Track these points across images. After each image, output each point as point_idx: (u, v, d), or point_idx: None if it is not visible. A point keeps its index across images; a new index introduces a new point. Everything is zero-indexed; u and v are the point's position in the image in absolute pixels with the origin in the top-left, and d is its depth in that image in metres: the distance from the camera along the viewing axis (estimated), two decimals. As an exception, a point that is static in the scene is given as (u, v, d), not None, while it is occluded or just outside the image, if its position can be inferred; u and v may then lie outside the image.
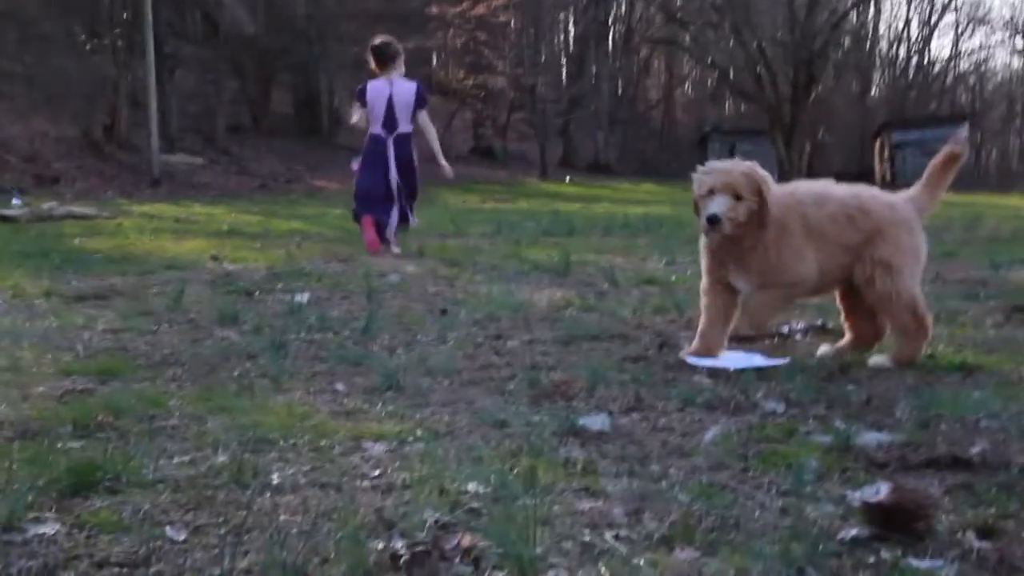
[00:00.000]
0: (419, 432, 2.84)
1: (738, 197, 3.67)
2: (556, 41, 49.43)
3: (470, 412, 3.07)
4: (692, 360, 3.85)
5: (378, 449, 2.68)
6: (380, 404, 3.16)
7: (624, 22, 50.00)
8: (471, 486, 2.35)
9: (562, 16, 48.09)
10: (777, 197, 3.76)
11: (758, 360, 3.88)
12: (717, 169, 3.77)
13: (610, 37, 49.15)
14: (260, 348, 4.00)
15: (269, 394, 3.29)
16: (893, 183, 42.63)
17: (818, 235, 3.76)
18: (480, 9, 32.38)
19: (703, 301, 3.98)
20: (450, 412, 3.08)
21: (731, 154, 46.38)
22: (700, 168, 3.83)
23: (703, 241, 3.91)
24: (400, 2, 31.39)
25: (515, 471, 2.46)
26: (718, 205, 3.67)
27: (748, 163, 3.79)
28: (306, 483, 2.40)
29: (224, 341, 4.22)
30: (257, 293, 5.73)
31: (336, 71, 32.05)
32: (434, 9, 32.41)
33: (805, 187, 3.97)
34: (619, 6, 50.12)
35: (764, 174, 3.73)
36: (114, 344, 4.16)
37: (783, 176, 35.01)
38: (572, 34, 49.84)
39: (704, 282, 3.98)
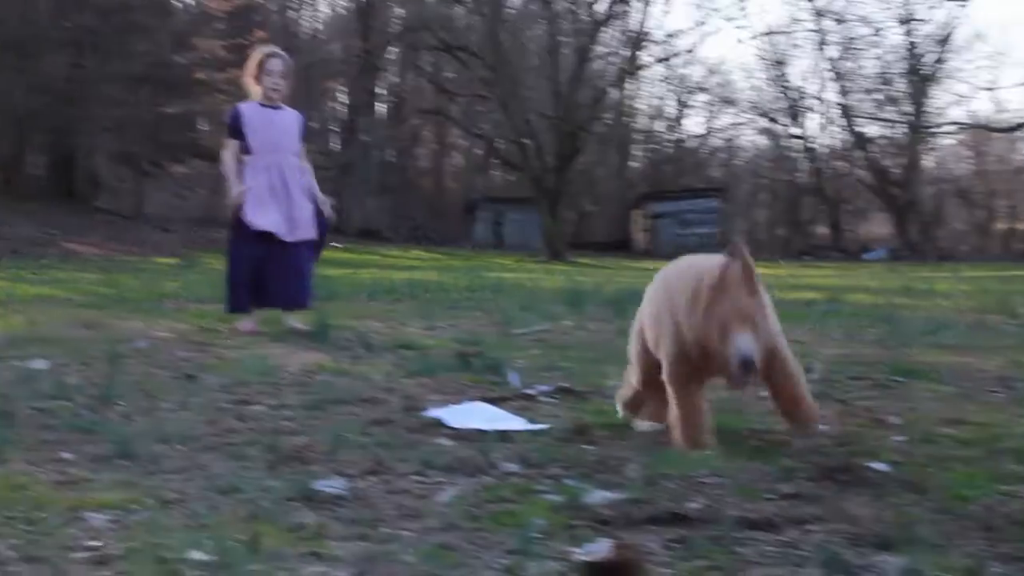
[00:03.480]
0: (146, 500, 2.74)
1: None
2: (326, 108, 49.45)
3: (203, 479, 2.99)
4: (448, 421, 3.88)
5: (99, 519, 2.57)
6: (108, 472, 3.04)
7: (395, 92, 50.52)
8: (193, 554, 2.28)
9: (333, 84, 48.15)
10: None
11: (516, 423, 3.94)
12: None
13: (381, 106, 49.58)
14: (-17, 418, 3.78)
15: (-13, 466, 3.11)
16: (652, 252, 44.78)
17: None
18: (249, 75, 32.00)
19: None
20: (182, 479, 2.98)
21: (499, 223, 47.55)
22: None
23: None
24: (164, 66, 30.64)
25: (241, 538, 2.40)
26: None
27: None
28: (16, 558, 2.27)
29: (-55, 412, 3.97)
30: (-11, 361, 5.42)
31: (96, 133, 31.02)
32: (200, 75, 31.82)
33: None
34: (390, 76, 50.64)
35: None
36: None
37: (548, 244, 35.96)
38: (343, 102, 49.96)
39: None
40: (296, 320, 7.15)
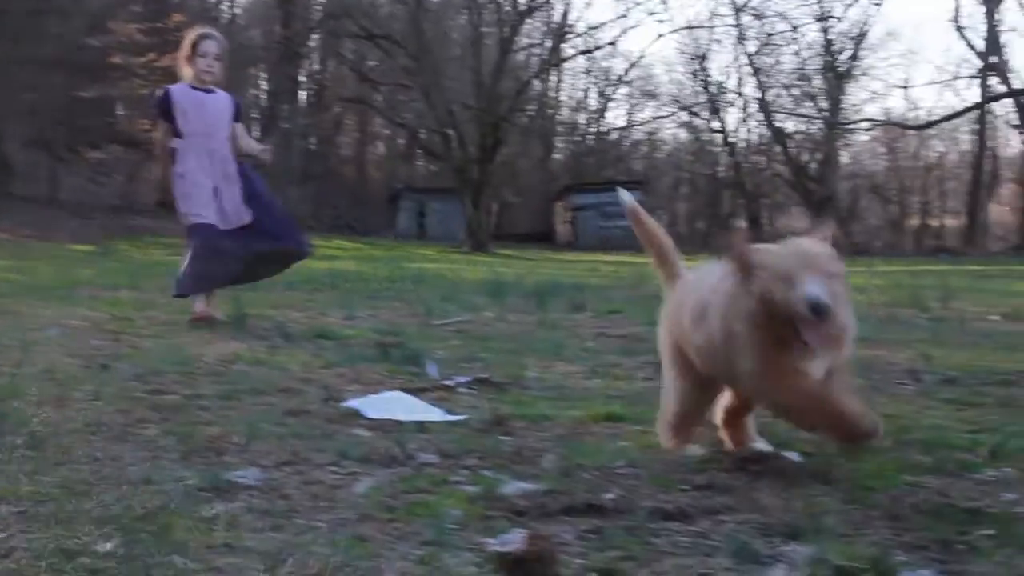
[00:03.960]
0: (54, 491, 2.69)
1: None
2: (247, 95, 48.86)
3: (114, 469, 2.94)
4: (366, 412, 3.87)
5: (4, 510, 2.51)
6: (15, 463, 2.97)
7: (316, 80, 50.05)
8: (101, 546, 2.24)
9: (253, 71, 47.54)
10: None
11: (434, 414, 3.94)
12: None
13: (303, 94, 49.10)
14: None
15: None
16: (574, 244, 45.02)
17: None
18: (167, 60, 31.35)
19: None
20: (92, 470, 2.93)
21: (422, 214, 47.35)
22: None
23: None
24: (79, 50, 29.95)
25: (152, 529, 2.37)
26: None
27: None
28: (-84, 550, 2.22)
29: None
30: None
31: (8, 118, 30.30)
32: (117, 59, 31.17)
33: None
34: (311, 64, 50.15)
35: None
36: None
37: (471, 235, 35.94)
38: (264, 89, 49.37)
39: None
40: (215, 309, 7.06)
